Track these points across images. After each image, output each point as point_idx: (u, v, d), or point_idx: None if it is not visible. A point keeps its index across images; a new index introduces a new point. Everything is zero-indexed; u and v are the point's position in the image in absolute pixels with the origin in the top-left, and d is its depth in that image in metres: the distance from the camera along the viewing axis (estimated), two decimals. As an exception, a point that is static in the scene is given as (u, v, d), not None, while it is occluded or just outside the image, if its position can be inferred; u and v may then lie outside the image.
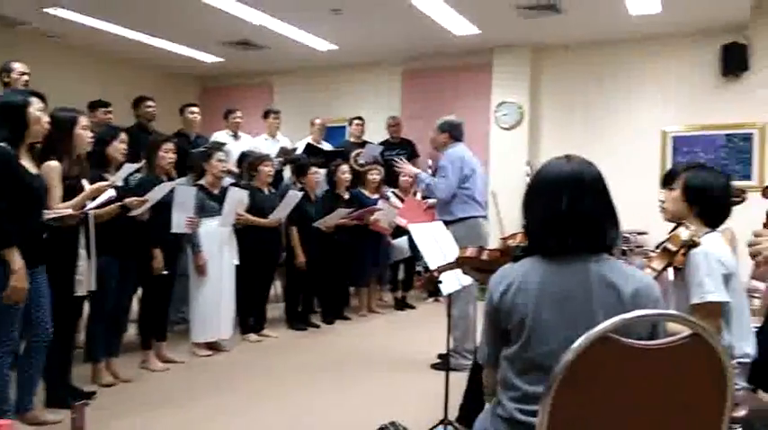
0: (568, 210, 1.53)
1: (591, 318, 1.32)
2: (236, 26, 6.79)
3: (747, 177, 6.90)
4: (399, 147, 7.05)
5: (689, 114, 7.15)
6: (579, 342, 1.27)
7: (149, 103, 5.60)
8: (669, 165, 6.72)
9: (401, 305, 6.28)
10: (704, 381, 1.33)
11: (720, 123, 7.01)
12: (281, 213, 4.85)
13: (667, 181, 2.32)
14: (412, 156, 7.03)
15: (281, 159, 6.09)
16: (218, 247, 4.39)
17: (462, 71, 8.04)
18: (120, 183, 3.34)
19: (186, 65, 8.63)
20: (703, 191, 2.20)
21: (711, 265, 2.03)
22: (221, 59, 8.38)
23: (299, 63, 8.49)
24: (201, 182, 4.45)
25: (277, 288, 5.89)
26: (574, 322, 1.36)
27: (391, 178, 6.25)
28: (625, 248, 6.17)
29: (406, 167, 4.83)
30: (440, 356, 4.06)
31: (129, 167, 3.44)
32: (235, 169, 5.45)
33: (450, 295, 2.96)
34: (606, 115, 7.51)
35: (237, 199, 4.45)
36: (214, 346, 4.45)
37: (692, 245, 2.09)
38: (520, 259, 1.62)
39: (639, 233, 6.61)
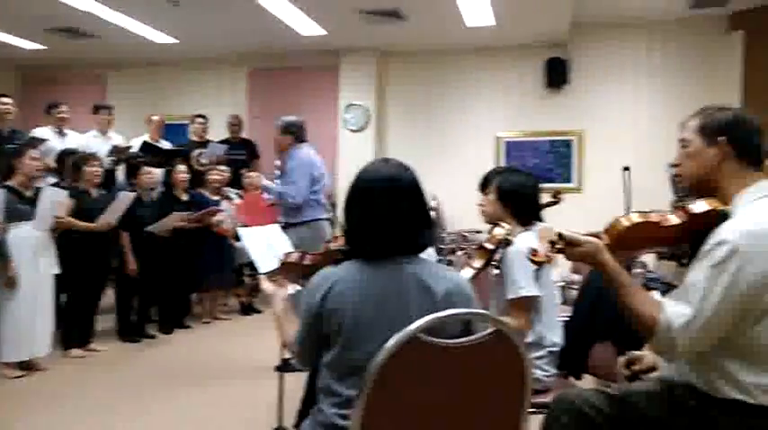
0: (385, 212, 1.55)
1: (407, 320, 1.34)
2: (59, 11, 6.17)
3: (568, 180, 7.61)
4: (240, 147, 6.85)
5: (519, 121, 7.72)
6: (390, 344, 1.28)
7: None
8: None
9: (247, 310, 6.10)
10: (506, 375, 1.41)
11: (545, 130, 7.65)
12: (110, 217, 4.48)
13: (483, 185, 2.45)
14: (252, 157, 6.88)
15: (113, 158, 5.64)
16: (32, 255, 3.94)
17: (310, 72, 8.01)
18: None
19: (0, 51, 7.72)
20: (515, 192, 2.36)
21: (524, 262, 2.17)
22: (44, 47, 7.59)
23: (134, 55, 7.95)
24: (10, 183, 3.96)
25: (110, 297, 5.44)
26: (391, 324, 1.36)
27: (235, 178, 6.05)
28: (465, 246, 6.52)
29: (257, 181, 4.70)
30: (284, 360, 3.98)
31: None
32: (53, 165, 4.95)
33: (292, 296, 2.90)
34: (447, 120, 7.89)
35: (54, 200, 4.02)
36: (29, 365, 3.99)
37: (507, 243, 2.24)
38: (340, 262, 1.61)
39: (477, 232, 7.03)
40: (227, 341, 5.12)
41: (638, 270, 4.55)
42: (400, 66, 7.98)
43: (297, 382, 2.87)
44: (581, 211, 6.39)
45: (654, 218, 1.62)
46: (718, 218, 1.54)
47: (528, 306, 2.17)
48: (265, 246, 2.41)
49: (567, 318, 2.79)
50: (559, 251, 1.60)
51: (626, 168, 2.94)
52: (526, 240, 2.29)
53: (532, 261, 1.66)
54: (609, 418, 1.63)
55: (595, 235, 1.64)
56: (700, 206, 1.59)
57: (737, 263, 1.42)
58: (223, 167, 5.95)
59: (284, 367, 2.90)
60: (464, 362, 1.37)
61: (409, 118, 8.03)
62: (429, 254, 2.59)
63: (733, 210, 1.55)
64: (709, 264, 1.45)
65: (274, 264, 2.29)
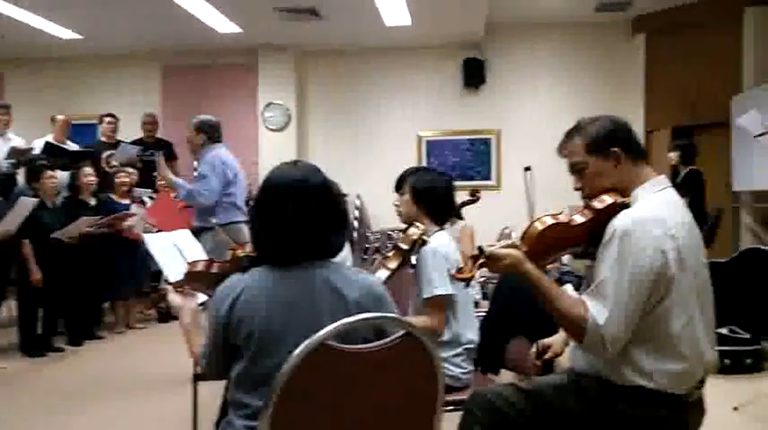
0: (293, 216, 1.50)
1: (319, 328, 1.30)
2: (-54, 2, 5.71)
3: (488, 178, 7.81)
4: (155, 147, 6.57)
5: (439, 121, 7.85)
6: (297, 351, 1.24)
7: None
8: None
9: (165, 317, 5.85)
10: (418, 377, 1.40)
11: (465, 129, 7.81)
12: (9, 224, 4.18)
13: (398, 186, 2.45)
14: (169, 158, 6.61)
15: (11, 161, 5.26)
16: None
17: (227, 70, 7.82)
18: None
19: None
20: (429, 192, 2.37)
21: (438, 262, 2.18)
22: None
23: (35, 52, 7.47)
24: None
25: (12, 310, 5.08)
26: (302, 333, 1.31)
27: (148, 180, 5.79)
28: (389, 245, 6.55)
29: (162, 172, 4.47)
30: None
31: None
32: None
33: (204, 304, 2.80)
34: (368, 120, 7.90)
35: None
36: None
37: (422, 242, 2.25)
38: (248, 269, 1.55)
39: (401, 231, 7.06)
40: (142, 351, 4.90)
41: (553, 264, 4.71)
42: (321, 64, 7.92)
43: (214, 393, 2.78)
44: (500, 208, 6.62)
45: (563, 218, 1.66)
46: (620, 210, 1.59)
47: (443, 305, 2.19)
48: (173, 252, 2.30)
49: (484, 315, 2.86)
50: (482, 265, 1.63)
51: (527, 168, 3.05)
52: (441, 240, 2.30)
53: (459, 278, 1.66)
54: (521, 412, 1.67)
55: (513, 245, 1.67)
56: (602, 201, 1.64)
57: (632, 251, 1.48)
58: (131, 170, 5.67)
59: (199, 377, 2.79)
60: (375, 367, 1.35)
61: (331, 117, 7.98)
62: (343, 256, 2.58)
63: (633, 202, 1.61)
64: (612, 257, 1.51)
65: (181, 270, 2.19)
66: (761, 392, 2.88)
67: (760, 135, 2.88)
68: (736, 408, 2.85)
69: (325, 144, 7.93)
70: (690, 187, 5.23)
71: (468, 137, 7.85)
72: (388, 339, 1.35)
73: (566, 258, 5.10)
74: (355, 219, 7.46)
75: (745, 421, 2.75)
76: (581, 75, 7.50)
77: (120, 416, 3.40)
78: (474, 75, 7.59)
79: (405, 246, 2.24)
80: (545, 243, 1.65)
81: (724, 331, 3.68)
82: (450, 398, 2.16)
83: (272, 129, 7.69)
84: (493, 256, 1.61)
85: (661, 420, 1.55)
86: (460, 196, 4.23)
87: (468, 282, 1.67)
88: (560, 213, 1.70)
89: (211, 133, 4.24)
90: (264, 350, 1.43)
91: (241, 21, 6.51)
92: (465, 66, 7.61)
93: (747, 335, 3.59)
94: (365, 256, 6.16)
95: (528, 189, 2.70)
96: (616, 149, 1.62)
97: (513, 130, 7.63)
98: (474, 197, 4.25)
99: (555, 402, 1.67)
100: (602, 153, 1.63)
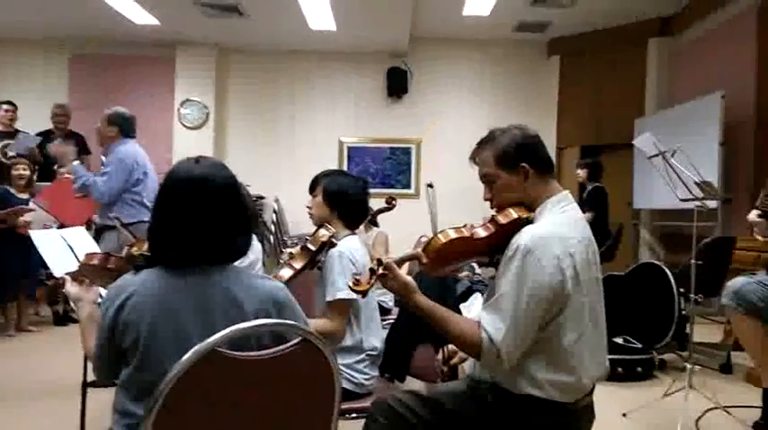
0: (192, 215, 1.44)
1: (212, 334, 1.23)
2: None
3: (408, 186, 7.89)
4: (66, 140, 6.18)
5: (362, 127, 7.87)
6: (185, 358, 1.18)
7: None
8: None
9: (63, 319, 5.50)
10: (314, 384, 1.37)
11: (387, 137, 7.87)
12: None
13: (312, 187, 2.42)
14: (82, 152, 6.24)
15: None
16: None
17: (143, 64, 7.51)
18: None
19: None
20: (341, 195, 2.35)
21: (344, 265, 2.16)
22: None
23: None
24: None
25: None
26: (192, 341, 1.24)
27: (50, 173, 5.43)
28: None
29: (56, 148, 4.19)
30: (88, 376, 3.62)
31: None
32: None
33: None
34: (290, 122, 7.81)
35: None
36: None
37: (330, 245, 2.22)
38: (142, 269, 1.47)
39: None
40: (33, 356, 4.57)
41: (465, 273, 4.80)
42: (242, 63, 7.76)
43: (109, 401, 2.62)
44: (419, 217, 6.66)
45: (466, 232, 1.68)
46: (523, 225, 1.63)
47: (345, 309, 2.16)
48: (63, 249, 2.15)
49: (393, 321, 2.87)
50: (379, 277, 1.62)
51: (430, 185, 3.10)
52: (350, 244, 2.29)
53: (354, 290, 1.64)
54: (422, 418, 1.68)
55: (415, 255, 1.68)
56: (506, 216, 1.67)
57: (532, 268, 1.51)
58: (27, 162, 5.29)
59: (90, 384, 2.63)
60: (270, 374, 1.30)
61: (252, 117, 7.82)
62: (252, 260, 2.52)
63: (536, 218, 1.65)
64: (513, 272, 1.54)
65: (72, 267, 2.05)
66: (649, 399, 3.05)
67: (653, 156, 3.06)
68: (624, 415, 2.99)
69: (244, 145, 7.76)
70: (594, 203, 5.51)
71: (389, 145, 7.91)
72: (283, 346, 1.31)
73: (479, 268, 5.23)
74: (273, 223, 7.34)
75: (631, 427, 2.89)
76: (499, 91, 7.74)
77: (4, 425, 3.15)
78: (397, 84, 7.67)
79: (312, 247, 2.22)
80: (447, 255, 1.67)
81: (619, 341, 3.88)
82: (353, 405, 2.15)
83: (188, 127, 7.44)
84: (389, 270, 1.61)
85: (552, 427, 1.59)
86: (379, 203, 4.26)
87: (363, 294, 1.66)
88: (464, 226, 1.72)
89: (124, 127, 4.05)
90: (150, 357, 1.36)
91: (159, 13, 6.27)
92: (389, 75, 7.68)
93: (639, 345, 3.79)
94: (281, 261, 6.05)
95: (430, 205, 2.76)
96: (524, 164, 1.65)
97: (433, 141, 7.76)
98: (390, 205, 4.26)
99: (453, 409, 1.69)
100: (511, 167, 1.66)
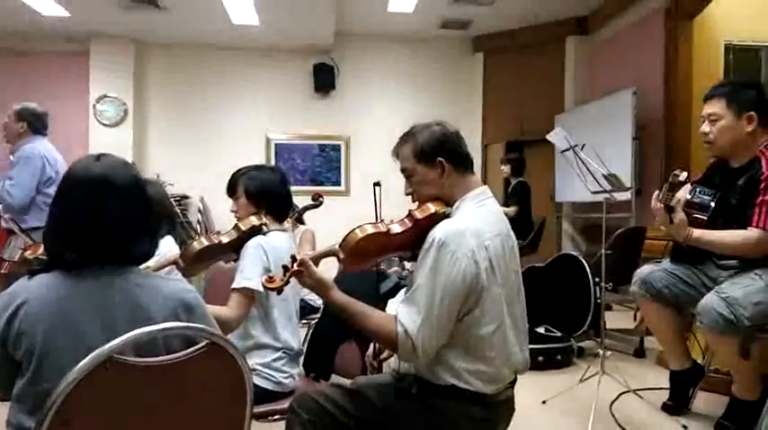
0: (91, 217, 1.36)
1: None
2: None
3: (337, 183, 7.85)
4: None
5: (289, 124, 7.76)
6: (78, 367, 1.11)
7: None
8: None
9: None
10: (224, 387, 1.33)
11: (315, 134, 7.80)
12: None
13: (231, 190, 2.36)
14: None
15: None
16: None
17: (55, 57, 7.13)
18: None
19: None
20: (264, 190, 2.31)
21: (258, 255, 2.12)
22: None
23: None
24: None
25: None
26: (93, 348, 1.18)
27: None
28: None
29: None
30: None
31: None
32: None
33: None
34: (215, 119, 7.60)
35: None
36: None
37: (259, 230, 2.19)
38: (37, 274, 1.38)
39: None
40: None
41: (395, 268, 4.83)
42: (163, 58, 7.48)
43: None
44: (349, 214, 6.64)
45: (383, 227, 1.68)
46: (441, 219, 1.64)
47: (249, 298, 2.11)
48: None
49: (317, 320, 2.84)
50: (294, 274, 1.61)
51: (377, 184, 3.07)
52: (275, 238, 2.23)
53: (267, 287, 1.61)
54: (346, 412, 1.68)
55: (332, 251, 1.66)
56: (424, 210, 1.69)
57: (447, 261, 1.53)
58: None
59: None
60: (175, 381, 1.25)
61: (174, 114, 7.56)
62: (164, 256, 2.43)
63: (454, 212, 1.67)
64: (428, 266, 1.55)
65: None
66: (566, 386, 3.16)
67: (565, 150, 3.17)
68: (544, 402, 3.09)
69: (167, 143, 7.49)
70: (519, 197, 5.67)
71: (318, 142, 7.84)
72: (188, 350, 1.26)
73: (408, 264, 5.28)
74: (198, 222, 7.13)
75: (550, 413, 2.99)
76: (426, 87, 7.82)
77: None
78: (324, 80, 7.61)
79: (243, 227, 2.19)
80: (364, 250, 1.66)
81: (541, 330, 4.01)
82: (275, 406, 2.11)
83: (105, 125, 7.11)
84: (304, 266, 1.61)
85: (472, 417, 1.62)
86: (306, 201, 4.21)
87: (278, 292, 1.64)
88: (381, 221, 1.72)
89: (34, 123, 3.83)
90: (45, 368, 1.28)
91: (69, 4, 5.95)
92: (315, 70, 7.61)
93: (559, 334, 3.93)
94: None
95: (376, 204, 2.73)
96: (442, 159, 1.67)
97: (361, 138, 7.75)
98: (316, 202, 4.22)
99: (378, 401, 1.69)
100: (429, 162, 1.68)
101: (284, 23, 6.57)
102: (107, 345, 1.14)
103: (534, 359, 3.52)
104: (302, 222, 4.39)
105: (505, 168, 5.94)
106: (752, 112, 2.45)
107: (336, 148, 7.89)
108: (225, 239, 2.20)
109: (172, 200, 6.64)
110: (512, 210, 5.58)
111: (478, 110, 7.77)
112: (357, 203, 7.17)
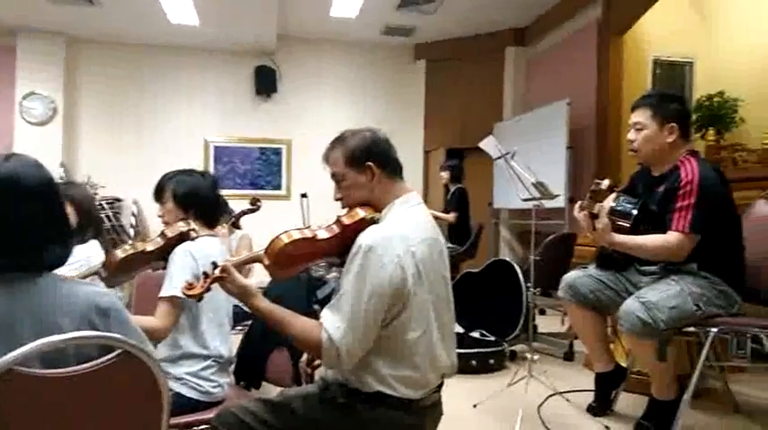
0: (-1, 219, 1.29)
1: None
2: None
3: (278, 187, 7.77)
4: None
5: (229, 126, 7.63)
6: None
7: None
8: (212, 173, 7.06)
9: None
10: (139, 398, 1.29)
11: (256, 137, 7.70)
12: None
13: (158, 194, 2.28)
14: None
15: None
16: None
17: (-22, 52, 6.75)
18: None
19: None
20: (191, 194, 2.24)
21: (186, 262, 2.06)
22: None
23: None
24: None
25: None
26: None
27: None
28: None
29: None
30: None
31: None
32: None
33: None
34: (151, 120, 7.40)
35: None
36: None
37: (186, 236, 2.12)
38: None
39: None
40: None
41: (333, 274, 4.80)
42: (96, 55, 7.23)
43: None
44: (290, 218, 6.58)
45: (309, 233, 1.66)
46: (369, 225, 1.63)
47: (177, 307, 2.05)
48: None
49: (248, 327, 2.79)
50: (216, 280, 1.59)
51: (303, 195, 3.07)
52: (205, 244, 2.18)
53: (187, 295, 1.57)
54: (269, 425, 1.65)
55: (256, 256, 1.64)
56: (352, 216, 1.68)
57: (374, 267, 1.53)
58: None
59: None
60: (85, 393, 1.20)
61: (107, 114, 7.31)
62: (87, 263, 2.33)
63: (382, 218, 1.67)
64: (354, 271, 1.54)
65: None
66: (496, 389, 3.22)
67: (498, 158, 3.24)
68: (475, 406, 3.14)
69: (99, 143, 7.23)
70: (457, 204, 5.75)
71: (259, 145, 7.74)
72: (101, 359, 1.21)
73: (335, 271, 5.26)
74: (131, 226, 6.91)
75: (479, 416, 3.03)
76: (368, 93, 7.85)
77: None
78: (266, 83, 7.54)
79: (169, 234, 2.11)
80: (290, 256, 1.64)
81: (476, 335, 4.07)
82: (201, 416, 2.05)
83: (32, 123, 6.80)
84: (227, 272, 1.58)
85: (399, 423, 1.62)
86: (246, 205, 4.14)
87: (198, 299, 1.60)
88: (308, 227, 1.71)
89: None
90: None
91: (-5, -4, 5.68)
92: (257, 73, 7.52)
93: (493, 338, 4.00)
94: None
95: (304, 215, 2.72)
96: (371, 164, 1.67)
97: (302, 141, 7.70)
98: (254, 206, 4.16)
99: (304, 412, 1.67)
100: (358, 167, 1.67)
101: (225, 24, 6.47)
102: (6, 357, 1.08)
103: (468, 363, 3.57)
104: (238, 227, 4.32)
105: (444, 175, 6.01)
106: (673, 124, 2.57)
107: (277, 152, 7.81)
108: (150, 247, 2.13)
109: (103, 203, 6.43)
110: (451, 216, 5.66)
111: (420, 117, 7.86)
112: (298, 208, 7.10)
